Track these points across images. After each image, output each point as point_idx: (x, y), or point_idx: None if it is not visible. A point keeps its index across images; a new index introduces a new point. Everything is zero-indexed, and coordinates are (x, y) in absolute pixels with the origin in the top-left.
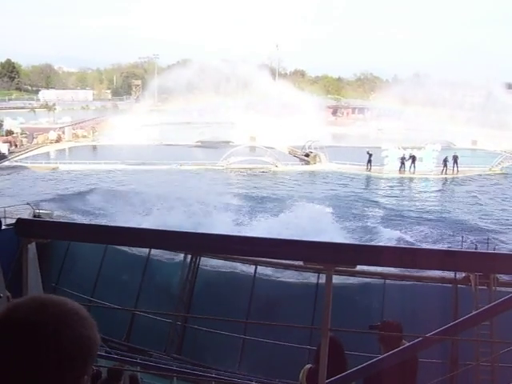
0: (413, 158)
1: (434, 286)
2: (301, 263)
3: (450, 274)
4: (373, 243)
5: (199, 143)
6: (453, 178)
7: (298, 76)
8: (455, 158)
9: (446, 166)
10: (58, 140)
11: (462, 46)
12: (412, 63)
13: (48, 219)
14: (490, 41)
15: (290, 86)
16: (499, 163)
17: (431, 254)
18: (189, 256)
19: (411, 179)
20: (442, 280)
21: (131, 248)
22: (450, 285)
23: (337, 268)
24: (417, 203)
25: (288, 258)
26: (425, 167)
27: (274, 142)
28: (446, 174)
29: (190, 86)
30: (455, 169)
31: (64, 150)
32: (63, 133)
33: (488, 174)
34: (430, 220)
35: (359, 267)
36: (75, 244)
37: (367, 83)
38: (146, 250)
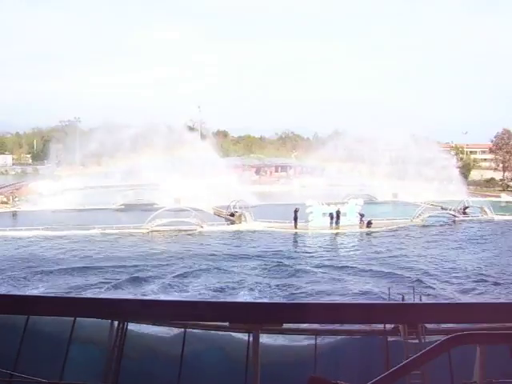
0: (337, 213)
1: (364, 339)
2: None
3: (379, 327)
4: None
5: (123, 206)
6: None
7: (221, 136)
8: (338, 213)
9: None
10: None
11: (375, 103)
12: (331, 121)
13: None
14: (400, 97)
15: (214, 147)
16: (420, 214)
17: (356, 308)
18: (115, 322)
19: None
20: (372, 332)
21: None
22: (381, 337)
23: (264, 327)
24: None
25: (213, 320)
26: (349, 221)
27: (199, 202)
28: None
29: (112, 148)
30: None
31: None
32: None
33: (410, 225)
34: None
35: (289, 325)
36: None
37: (289, 142)
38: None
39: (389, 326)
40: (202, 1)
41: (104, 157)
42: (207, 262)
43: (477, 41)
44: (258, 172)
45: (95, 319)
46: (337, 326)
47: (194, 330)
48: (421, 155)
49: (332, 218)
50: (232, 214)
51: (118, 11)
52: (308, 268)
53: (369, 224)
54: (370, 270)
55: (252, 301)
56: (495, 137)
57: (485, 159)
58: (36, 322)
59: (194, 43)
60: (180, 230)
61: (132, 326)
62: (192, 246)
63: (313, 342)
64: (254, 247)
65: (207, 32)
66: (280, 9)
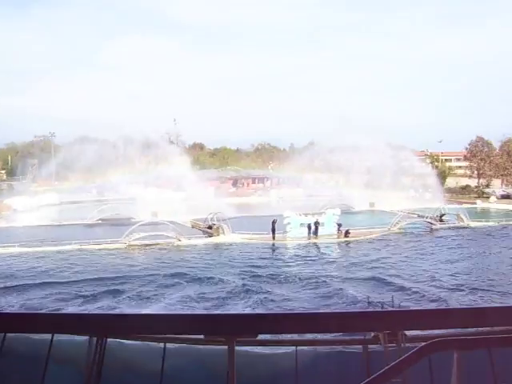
0: (315, 224)
1: (344, 349)
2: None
3: (359, 336)
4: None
5: (99, 221)
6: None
7: (197, 149)
8: (316, 224)
9: (314, 229)
10: None
11: (350, 113)
12: (306, 132)
13: None
14: (374, 107)
15: (190, 160)
16: (397, 223)
17: (334, 317)
18: (94, 339)
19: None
20: (352, 342)
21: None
22: (361, 346)
23: (240, 339)
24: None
25: (188, 332)
26: (326, 231)
27: (177, 216)
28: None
29: (88, 163)
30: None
31: None
32: None
33: (388, 234)
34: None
35: (266, 337)
36: None
37: (265, 153)
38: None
39: (369, 335)
40: (177, 14)
41: (80, 172)
42: (182, 276)
43: (449, 50)
44: (234, 184)
45: (72, 336)
46: (316, 337)
47: (174, 345)
48: (397, 164)
49: (310, 228)
50: (210, 227)
51: (91, 25)
52: (290, 278)
53: (347, 233)
54: (352, 278)
55: (226, 312)
56: (469, 144)
57: (459, 167)
58: (12, 341)
59: (168, 56)
60: (157, 244)
61: (111, 343)
62: (168, 261)
63: (292, 350)
64: (231, 260)
65: (181, 45)
66: (254, 22)
